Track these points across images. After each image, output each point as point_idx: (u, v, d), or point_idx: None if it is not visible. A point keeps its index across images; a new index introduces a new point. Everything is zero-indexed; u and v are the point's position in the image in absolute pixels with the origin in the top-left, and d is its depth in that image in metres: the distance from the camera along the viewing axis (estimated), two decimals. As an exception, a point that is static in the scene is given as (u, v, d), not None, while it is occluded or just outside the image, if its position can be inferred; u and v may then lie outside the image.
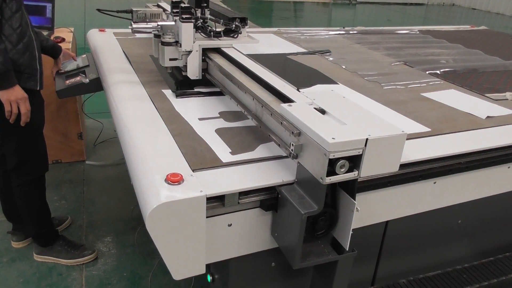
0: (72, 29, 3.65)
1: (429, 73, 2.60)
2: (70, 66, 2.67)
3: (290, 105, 1.32)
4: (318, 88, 2.09)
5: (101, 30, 3.11)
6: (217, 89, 2.00)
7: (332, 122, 1.23)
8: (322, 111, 1.31)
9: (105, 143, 3.88)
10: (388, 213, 1.64)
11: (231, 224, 1.34)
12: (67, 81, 2.47)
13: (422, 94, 2.22)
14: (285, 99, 1.42)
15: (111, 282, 2.36)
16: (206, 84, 2.04)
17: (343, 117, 1.26)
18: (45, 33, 3.32)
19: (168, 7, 2.78)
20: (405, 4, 16.74)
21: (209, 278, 1.70)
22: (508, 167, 1.82)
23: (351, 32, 3.73)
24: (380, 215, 1.62)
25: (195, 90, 1.99)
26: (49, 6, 3.46)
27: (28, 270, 2.40)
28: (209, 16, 1.92)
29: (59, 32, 3.46)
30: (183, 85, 2.02)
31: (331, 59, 2.79)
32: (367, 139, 1.14)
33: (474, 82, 2.50)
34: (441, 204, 1.74)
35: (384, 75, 2.49)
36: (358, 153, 1.15)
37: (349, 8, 15.45)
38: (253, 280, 1.55)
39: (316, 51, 2.94)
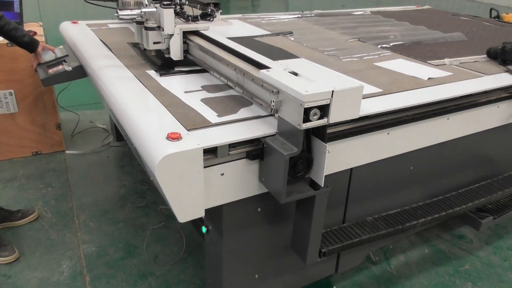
0: (41, 23, 3.75)
1: (380, 47, 2.93)
2: (49, 57, 2.81)
3: (268, 71, 1.59)
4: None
5: (73, 22, 3.25)
6: (197, 68, 2.24)
7: (304, 81, 1.51)
8: (295, 74, 1.58)
9: (81, 133, 4.01)
10: (351, 161, 1.95)
11: (223, 174, 1.59)
12: (50, 70, 2.62)
13: (374, 64, 2.55)
14: (262, 66, 1.68)
15: (108, 253, 2.56)
16: (185, 64, 2.27)
17: (312, 77, 1.54)
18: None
19: None
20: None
21: (204, 229, 1.95)
22: (447, 119, 2.17)
23: (309, 15, 4.03)
24: (345, 163, 1.93)
25: (177, 69, 2.22)
26: (16, 1, 3.54)
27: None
28: (187, 2, 2.14)
29: (28, 27, 3.56)
30: (166, 66, 2.24)
31: (292, 39, 3.07)
32: (333, 91, 1.43)
33: (419, 52, 2.86)
34: (395, 152, 2.07)
35: (341, 50, 2.80)
36: (326, 103, 1.44)
37: (304, -5, 15.82)
38: (243, 224, 1.81)
39: (279, 32, 3.21)
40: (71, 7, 11.21)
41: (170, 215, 2.87)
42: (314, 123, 1.46)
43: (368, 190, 2.13)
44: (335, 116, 1.49)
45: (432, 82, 2.24)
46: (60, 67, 2.61)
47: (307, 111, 1.42)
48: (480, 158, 2.57)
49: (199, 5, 2.22)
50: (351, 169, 2.00)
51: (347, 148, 1.86)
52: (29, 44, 2.65)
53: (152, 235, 2.70)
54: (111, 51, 2.53)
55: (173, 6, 2.08)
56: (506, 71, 2.48)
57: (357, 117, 1.56)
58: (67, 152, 3.68)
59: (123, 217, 2.88)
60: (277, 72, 1.58)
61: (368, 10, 4.50)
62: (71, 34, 2.97)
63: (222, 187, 1.62)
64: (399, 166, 2.19)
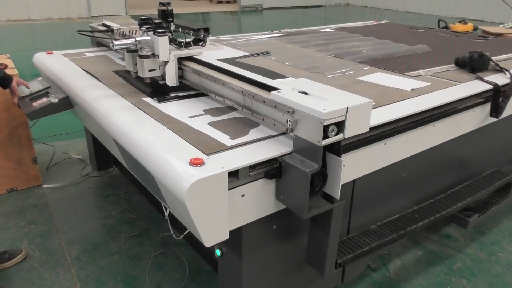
0: (8, 55, 3.62)
1: (358, 62, 3.08)
2: (28, 90, 2.72)
3: (279, 92, 1.65)
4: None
5: (48, 53, 3.18)
6: (192, 92, 2.27)
7: (317, 99, 1.58)
8: (305, 93, 1.65)
9: (56, 166, 3.87)
10: (355, 173, 2.03)
11: (244, 195, 1.62)
12: (35, 103, 2.55)
13: (358, 78, 2.68)
14: (270, 88, 1.74)
15: (108, 287, 2.48)
16: (176, 89, 2.28)
17: (322, 95, 1.62)
18: (-19, 61, 3.27)
19: (112, 25, 2.96)
20: (306, 7, 17.95)
21: (218, 252, 1.95)
22: (433, 126, 2.32)
23: (279, 34, 4.16)
24: (350, 175, 2.01)
25: (174, 95, 2.23)
26: (-18, 34, 3.41)
27: (19, 293, 2.43)
28: (180, 30, 2.18)
29: (-3, 60, 3.43)
30: (159, 92, 2.25)
31: (273, 58, 3.16)
32: (347, 107, 1.51)
33: (393, 65, 3.03)
34: (391, 160, 2.18)
35: (322, 67, 2.91)
36: (342, 119, 1.51)
37: (257, 14, 16.18)
38: (260, 243, 1.84)
39: (258, 53, 3.30)
40: (18, 37, 10.83)
41: (168, 242, 2.82)
42: (332, 139, 1.53)
43: (368, 199, 2.22)
44: (349, 131, 1.57)
45: (416, 92, 2.39)
46: (45, 99, 2.54)
47: (325, 128, 1.49)
48: (461, 161, 2.75)
49: (192, 31, 2.25)
50: (354, 180, 2.09)
51: (351, 160, 1.95)
52: (3, 80, 2.57)
53: (151, 263, 2.65)
54: (99, 80, 2.50)
55: (168, 34, 2.10)
56: (477, 78, 2.68)
57: (367, 130, 1.65)
58: (45, 186, 3.54)
59: (117, 248, 2.80)
60: (288, 93, 1.65)
61: (333, 26, 4.71)
62: (49, 65, 2.90)
63: (243, 208, 1.64)
64: (394, 173, 2.30)
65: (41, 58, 3.10)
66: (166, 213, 2.56)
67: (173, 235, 2.61)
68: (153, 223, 3.04)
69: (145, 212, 3.17)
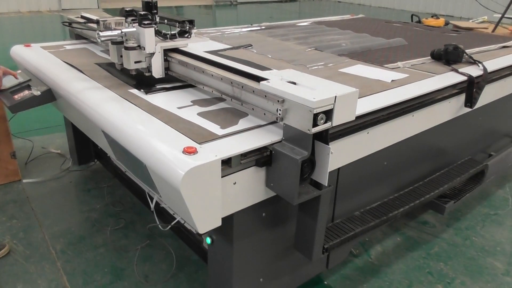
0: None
1: (338, 55, 3.16)
2: (10, 82, 2.68)
3: (268, 82, 1.70)
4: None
5: (26, 46, 3.12)
6: (178, 84, 2.28)
7: (306, 89, 1.63)
8: (294, 83, 1.70)
9: (35, 160, 3.81)
10: (340, 161, 2.10)
11: (235, 182, 1.67)
12: (16, 96, 2.50)
13: (339, 70, 2.75)
14: (259, 78, 1.78)
15: (95, 279, 2.49)
16: (161, 81, 2.30)
17: (310, 85, 1.67)
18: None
19: (92, 17, 2.94)
20: (281, 1, 18.02)
21: (209, 240, 1.99)
22: (413, 116, 2.42)
23: (259, 28, 4.20)
24: (335, 163, 2.07)
25: (160, 86, 2.24)
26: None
27: None
28: (166, 21, 2.18)
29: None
30: (148, 84, 2.26)
31: (255, 51, 3.20)
32: (335, 96, 1.57)
33: (372, 57, 3.12)
34: (373, 149, 2.26)
35: (304, 59, 2.97)
36: (330, 108, 1.57)
37: (231, 8, 16.15)
38: (250, 230, 1.89)
39: (240, 46, 3.33)
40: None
41: (154, 233, 2.84)
42: (321, 127, 1.58)
43: (352, 187, 2.30)
44: (337, 119, 1.63)
45: (396, 84, 2.48)
46: (27, 92, 2.50)
47: (314, 116, 1.54)
48: (437, 149, 2.87)
49: (177, 23, 2.27)
50: (338, 168, 2.16)
51: (337, 149, 2.01)
52: None
53: (138, 256, 2.66)
54: (83, 73, 2.48)
55: (154, 26, 2.11)
56: (452, 70, 2.80)
57: (353, 119, 1.72)
58: (24, 181, 3.48)
59: (102, 241, 2.80)
60: (277, 83, 1.69)
61: (311, 20, 4.78)
62: (29, 57, 2.85)
63: (234, 196, 1.69)
64: (376, 162, 2.39)
65: (19, 51, 3.04)
66: (152, 205, 2.57)
67: (160, 226, 2.63)
68: (138, 216, 3.04)
69: (129, 205, 3.17)
